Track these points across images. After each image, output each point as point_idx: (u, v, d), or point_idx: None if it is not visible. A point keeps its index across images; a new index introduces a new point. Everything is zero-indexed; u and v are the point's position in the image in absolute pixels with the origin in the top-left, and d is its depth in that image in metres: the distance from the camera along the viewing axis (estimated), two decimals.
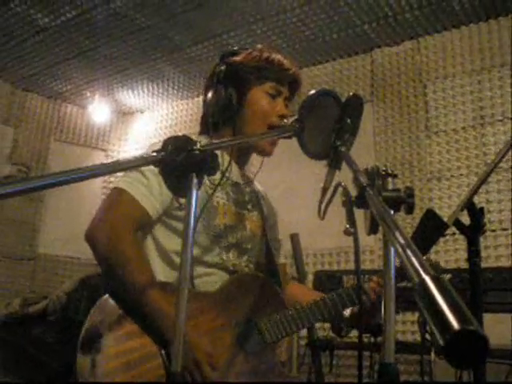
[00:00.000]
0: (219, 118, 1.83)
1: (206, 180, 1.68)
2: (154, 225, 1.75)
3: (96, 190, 6.04)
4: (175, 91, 6.10)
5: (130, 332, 1.55)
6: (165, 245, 1.74)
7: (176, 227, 1.74)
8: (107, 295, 1.58)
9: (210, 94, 1.85)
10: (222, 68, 1.85)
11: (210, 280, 1.76)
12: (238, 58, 1.88)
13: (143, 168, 1.66)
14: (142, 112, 6.65)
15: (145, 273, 1.61)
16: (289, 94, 1.92)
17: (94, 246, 1.62)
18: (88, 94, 6.17)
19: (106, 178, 6.18)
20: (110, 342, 1.52)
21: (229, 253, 1.81)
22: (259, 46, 1.95)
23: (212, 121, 1.84)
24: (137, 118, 6.71)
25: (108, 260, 1.61)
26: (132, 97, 6.26)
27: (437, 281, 0.60)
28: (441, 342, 0.53)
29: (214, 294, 1.72)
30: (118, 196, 1.68)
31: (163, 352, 1.55)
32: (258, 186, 2.07)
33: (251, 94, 1.85)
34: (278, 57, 1.90)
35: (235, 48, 1.96)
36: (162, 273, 1.69)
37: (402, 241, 0.70)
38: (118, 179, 1.74)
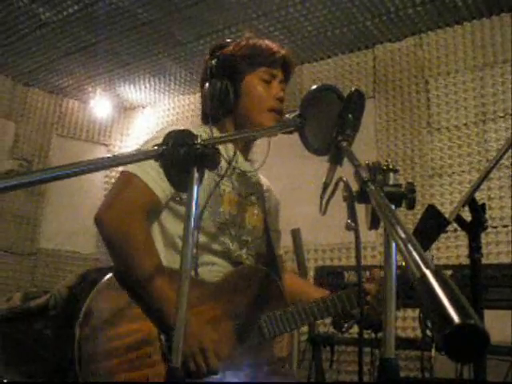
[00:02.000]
0: (218, 110, 1.85)
1: None
2: (161, 210, 1.75)
3: (97, 184, 6.04)
4: (177, 86, 6.09)
5: (131, 315, 1.56)
6: (170, 229, 1.75)
7: (181, 212, 1.73)
8: (111, 275, 1.58)
9: (205, 89, 1.87)
10: (214, 62, 1.88)
11: (214, 269, 1.77)
12: (227, 50, 1.91)
13: None
14: (143, 107, 6.65)
15: (152, 258, 1.62)
16: (283, 76, 1.95)
17: (103, 229, 1.62)
18: (90, 89, 6.17)
19: (108, 172, 6.19)
20: (110, 322, 1.52)
21: (232, 243, 1.83)
22: (246, 34, 1.98)
23: (212, 114, 1.86)
24: (139, 113, 6.70)
25: (116, 244, 1.62)
26: (134, 92, 6.26)
27: (438, 275, 0.60)
28: (441, 336, 0.53)
29: (216, 283, 1.74)
30: (127, 180, 1.67)
31: (162, 337, 1.56)
32: (262, 178, 2.08)
33: (245, 82, 1.88)
34: (265, 42, 1.93)
35: (222, 41, 1.99)
36: (166, 257, 1.69)
37: (403, 235, 0.70)
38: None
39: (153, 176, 1.65)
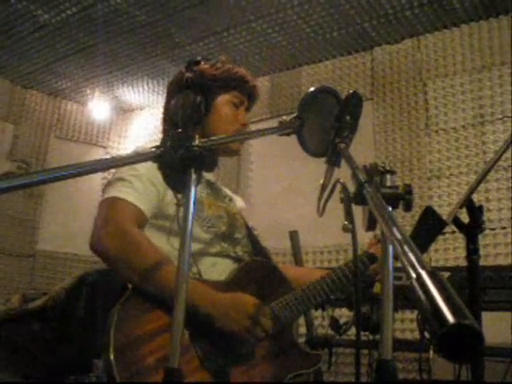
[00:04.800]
0: (188, 120, 1.90)
1: None
2: (146, 226, 1.77)
3: (95, 187, 6.02)
4: None
5: (158, 327, 1.55)
6: (158, 245, 1.74)
7: (164, 225, 1.77)
8: (128, 293, 1.57)
9: (178, 98, 1.94)
10: (191, 75, 1.95)
11: (217, 269, 1.80)
12: (205, 67, 1.99)
13: (124, 176, 1.73)
14: (142, 109, 6.65)
15: (164, 262, 1.62)
16: (248, 104, 2.05)
17: (104, 251, 1.62)
18: (88, 91, 6.17)
19: (106, 175, 6.18)
20: (140, 341, 1.52)
21: (225, 242, 1.87)
22: (221, 57, 2.06)
23: (180, 123, 1.91)
24: (137, 115, 6.70)
25: (123, 259, 1.61)
26: (132, 94, 6.26)
27: (433, 276, 0.61)
28: (436, 336, 0.54)
29: (224, 282, 1.76)
30: (111, 203, 1.70)
31: (196, 345, 1.58)
32: (226, 190, 2.14)
33: (217, 101, 1.97)
34: (240, 69, 2.03)
35: (199, 58, 2.05)
36: None
37: (399, 236, 0.70)
38: (103, 193, 1.78)
39: (133, 194, 1.70)
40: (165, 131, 2.05)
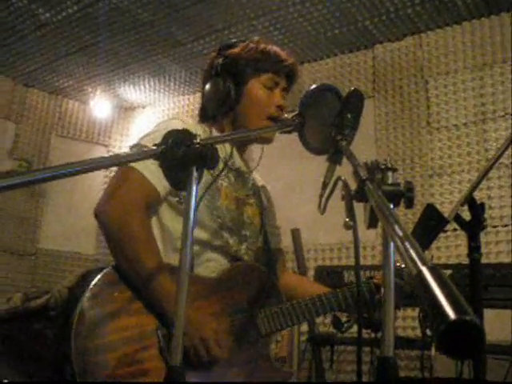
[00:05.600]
0: (218, 109, 1.85)
1: None
2: (160, 204, 1.75)
3: (97, 185, 6.03)
4: (177, 86, 6.10)
5: (130, 309, 1.57)
6: (169, 227, 1.75)
7: (182, 209, 1.71)
8: (107, 270, 1.59)
9: (208, 86, 1.87)
10: (220, 61, 1.88)
11: (210, 265, 1.77)
12: (235, 51, 1.90)
13: (149, 146, 1.67)
14: (143, 107, 6.65)
15: (152, 254, 1.63)
16: (286, 85, 1.94)
17: (103, 223, 1.63)
18: (89, 90, 6.17)
19: (107, 173, 6.19)
20: (107, 317, 1.53)
21: (231, 237, 1.83)
22: (256, 38, 1.97)
23: (211, 112, 1.86)
24: (138, 114, 6.70)
25: (116, 238, 1.62)
26: (133, 92, 6.26)
27: (434, 272, 0.61)
28: (437, 332, 0.54)
29: (214, 280, 1.74)
30: (126, 173, 1.68)
31: (159, 332, 1.56)
32: (257, 178, 2.08)
33: (249, 85, 1.87)
34: (274, 49, 1.92)
35: (232, 41, 1.98)
36: (164, 255, 1.69)
37: (401, 233, 0.71)
38: None
39: (151, 169, 1.64)
40: (201, 119, 1.99)
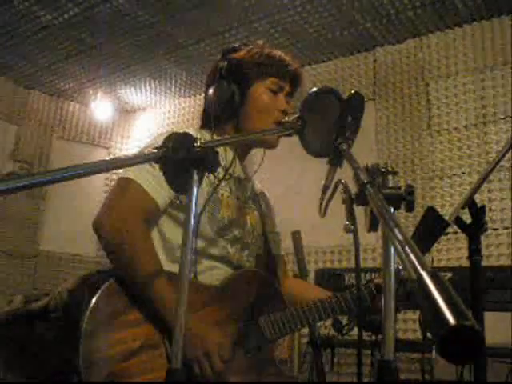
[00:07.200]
0: (221, 113, 1.83)
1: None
2: (159, 216, 1.74)
3: (98, 187, 6.04)
4: (177, 89, 6.10)
5: (134, 319, 1.56)
6: (170, 237, 1.74)
7: (181, 218, 1.72)
8: (113, 280, 1.58)
9: (211, 90, 1.84)
10: (224, 64, 1.85)
11: (214, 273, 1.77)
12: (239, 54, 1.89)
13: None
14: (144, 109, 6.66)
15: (152, 265, 1.62)
16: (290, 89, 1.93)
17: (102, 236, 1.62)
18: (90, 92, 6.18)
19: (108, 175, 6.19)
20: (113, 327, 1.52)
21: (233, 246, 1.83)
22: (260, 41, 1.96)
23: (214, 116, 1.84)
24: (139, 116, 6.71)
25: (115, 250, 1.62)
26: (134, 94, 6.27)
27: (434, 277, 0.61)
28: (437, 337, 0.54)
29: (217, 287, 1.74)
30: (126, 186, 1.66)
31: (166, 341, 1.56)
32: (256, 183, 2.08)
33: (253, 89, 1.86)
34: (278, 53, 1.91)
35: (236, 44, 1.97)
36: (165, 264, 1.68)
37: (401, 237, 0.70)
38: (125, 168, 1.71)
39: (151, 182, 1.64)
40: (203, 124, 1.98)
